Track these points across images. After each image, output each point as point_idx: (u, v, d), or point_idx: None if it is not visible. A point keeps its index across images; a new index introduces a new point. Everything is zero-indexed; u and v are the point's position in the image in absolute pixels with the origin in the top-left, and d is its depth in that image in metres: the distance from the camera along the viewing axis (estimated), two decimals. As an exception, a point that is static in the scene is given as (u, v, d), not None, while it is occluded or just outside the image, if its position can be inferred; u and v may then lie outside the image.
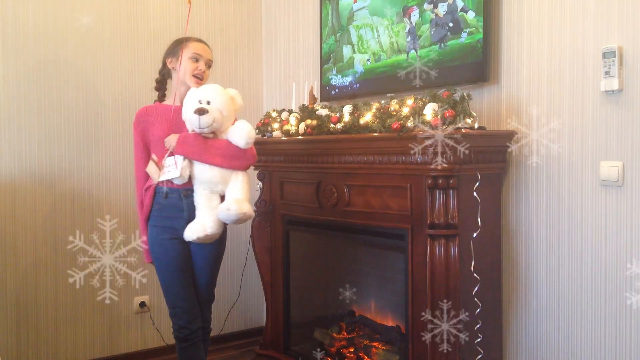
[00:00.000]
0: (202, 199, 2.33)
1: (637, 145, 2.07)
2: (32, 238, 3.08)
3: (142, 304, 3.39)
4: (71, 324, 3.19)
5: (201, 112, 2.23)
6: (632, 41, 2.07)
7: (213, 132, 2.31)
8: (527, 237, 2.43)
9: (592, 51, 2.18)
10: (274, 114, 3.15)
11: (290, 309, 3.18)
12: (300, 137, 2.88)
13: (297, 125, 2.90)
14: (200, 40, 2.50)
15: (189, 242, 2.38)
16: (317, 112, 2.85)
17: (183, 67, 2.42)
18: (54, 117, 3.12)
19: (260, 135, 3.16)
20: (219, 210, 2.27)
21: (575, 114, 2.25)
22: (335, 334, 3.11)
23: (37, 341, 3.10)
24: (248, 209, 2.29)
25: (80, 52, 3.19)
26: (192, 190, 2.36)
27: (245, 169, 2.36)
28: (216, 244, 2.44)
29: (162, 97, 2.58)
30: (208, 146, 2.29)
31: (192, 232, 2.29)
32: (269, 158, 3.14)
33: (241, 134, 2.29)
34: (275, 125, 3.09)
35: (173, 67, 2.47)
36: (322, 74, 3.31)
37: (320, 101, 3.22)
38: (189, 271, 2.43)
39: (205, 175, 2.30)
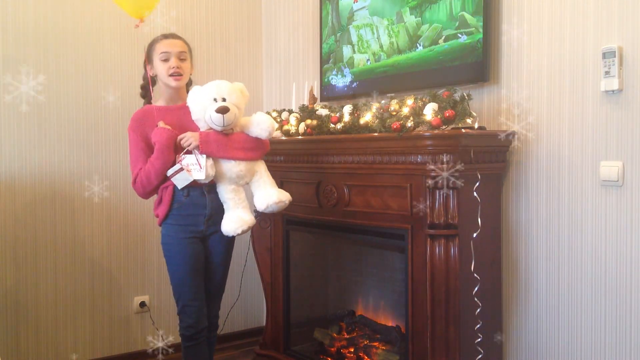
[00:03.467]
0: (231, 194, 2.35)
1: (637, 145, 2.07)
2: (32, 238, 3.08)
3: (142, 304, 3.39)
4: (71, 324, 3.19)
5: (224, 110, 2.24)
6: (632, 41, 2.07)
7: (231, 128, 2.33)
8: (527, 237, 2.43)
9: (592, 51, 2.18)
10: (274, 114, 3.15)
11: (290, 309, 3.18)
12: (300, 137, 2.88)
13: (297, 125, 2.90)
14: (167, 36, 2.42)
15: (206, 240, 2.43)
16: (317, 112, 2.85)
17: (158, 72, 2.39)
18: (54, 118, 3.12)
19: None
20: (268, 203, 2.36)
21: (575, 114, 2.25)
22: (335, 334, 3.11)
23: (37, 341, 3.09)
24: (288, 195, 2.43)
25: (80, 53, 3.19)
26: (214, 186, 2.37)
27: (262, 157, 2.45)
28: (230, 240, 2.48)
29: (148, 102, 2.51)
30: (230, 142, 2.30)
31: (235, 226, 2.33)
32: (269, 158, 3.14)
33: (264, 127, 2.35)
34: (275, 125, 3.09)
35: (154, 74, 2.44)
36: (322, 74, 3.31)
37: (320, 101, 3.22)
38: (202, 270, 2.44)
39: (233, 171, 2.33)
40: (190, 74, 2.49)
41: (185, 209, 2.37)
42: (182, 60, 2.38)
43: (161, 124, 2.33)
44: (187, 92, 2.40)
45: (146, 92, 2.51)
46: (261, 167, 2.43)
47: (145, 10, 2.70)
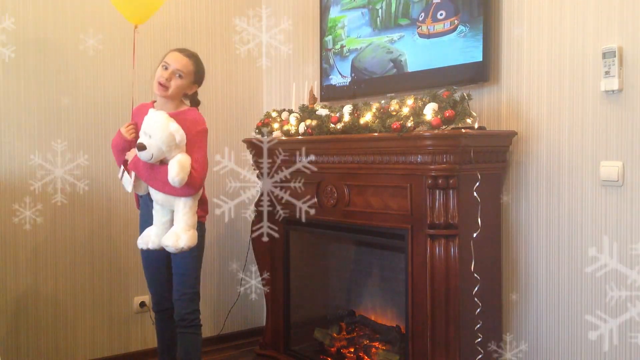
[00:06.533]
0: (155, 212, 2.42)
1: (637, 145, 2.07)
2: (32, 238, 3.08)
3: (142, 304, 3.39)
4: (71, 324, 3.19)
5: (140, 148, 2.25)
6: (632, 41, 2.07)
7: (161, 160, 2.30)
8: (527, 237, 2.43)
9: (592, 51, 2.18)
10: (274, 114, 3.15)
11: (290, 309, 3.18)
12: (300, 137, 2.88)
13: (297, 125, 2.90)
14: (179, 50, 2.46)
15: None
16: (317, 112, 2.85)
17: (156, 75, 2.43)
18: (55, 117, 3.12)
19: (259, 136, 3.16)
20: (163, 240, 2.33)
21: (575, 114, 2.25)
22: (335, 334, 3.11)
23: (37, 341, 3.09)
24: (185, 242, 2.28)
25: (81, 53, 3.19)
26: None
27: (189, 196, 2.32)
28: None
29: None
30: (155, 173, 2.31)
31: (140, 241, 2.44)
32: (270, 158, 3.14)
33: (170, 175, 2.22)
34: (275, 125, 3.09)
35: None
36: (322, 73, 3.31)
37: (320, 101, 3.22)
38: (162, 260, 2.56)
39: (154, 196, 2.40)
40: (190, 93, 2.52)
41: (142, 208, 2.59)
42: (178, 77, 2.40)
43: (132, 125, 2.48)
44: (188, 106, 2.53)
45: None
46: (180, 205, 2.32)
47: (143, 18, 2.78)
